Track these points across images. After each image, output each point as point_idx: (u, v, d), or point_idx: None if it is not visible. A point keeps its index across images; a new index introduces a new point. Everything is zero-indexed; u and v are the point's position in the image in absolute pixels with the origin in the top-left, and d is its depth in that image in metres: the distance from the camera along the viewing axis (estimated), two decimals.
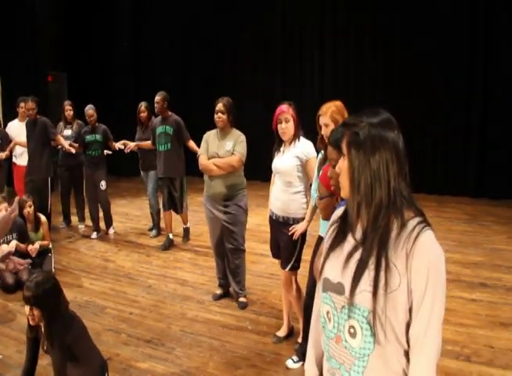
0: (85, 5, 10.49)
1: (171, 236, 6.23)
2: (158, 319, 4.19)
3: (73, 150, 6.26)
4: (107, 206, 6.67)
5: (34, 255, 5.12)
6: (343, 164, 1.32)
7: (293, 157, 3.30)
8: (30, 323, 2.58)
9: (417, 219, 1.27)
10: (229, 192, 4.13)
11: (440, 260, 1.24)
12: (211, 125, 4.23)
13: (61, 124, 6.89)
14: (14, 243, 4.91)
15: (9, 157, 6.80)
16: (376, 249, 1.24)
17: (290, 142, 3.35)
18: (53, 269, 5.27)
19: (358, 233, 1.31)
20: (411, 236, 1.23)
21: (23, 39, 8.96)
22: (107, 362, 2.97)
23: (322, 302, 1.37)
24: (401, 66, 8.30)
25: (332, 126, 2.77)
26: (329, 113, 2.78)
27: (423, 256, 1.22)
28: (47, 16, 9.73)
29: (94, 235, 6.62)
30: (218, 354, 3.60)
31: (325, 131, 2.81)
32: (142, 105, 6.37)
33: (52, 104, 9.10)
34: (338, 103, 2.84)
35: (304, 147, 3.31)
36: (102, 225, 6.80)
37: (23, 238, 5.06)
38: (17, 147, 6.77)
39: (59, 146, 6.50)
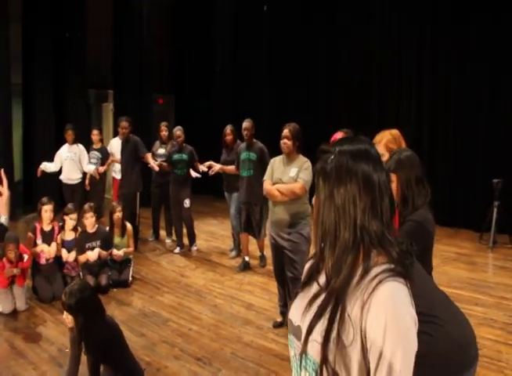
0: (192, 30, 11.20)
1: (247, 258, 6.29)
2: (214, 339, 4.23)
3: (156, 168, 6.63)
4: (190, 223, 6.93)
5: (118, 260, 5.51)
6: (314, 198, 1.21)
7: None
8: (68, 325, 2.78)
9: (384, 266, 1.10)
10: (292, 219, 4.09)
11: (401, 318, 1.04)
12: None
13: (157, 143, 7.37)
14: (97, 250, 5.30)
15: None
16: (334, 297, 1.10)
17: None
18: (130, 278, 5.59)
19: (323, 277, 1.18)
20: (369, 287, 1.07)
21: (132, 63, 9.77)
22: (144, 371, 3.06)
23: (290, 345, 1.26)
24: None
25: (386, 156, 2.64)
26: (384, 142, 2.66)
27: (380, 312, 1.04)
28: (158, 40, 10.60)
29: (177, 250, 6.91)
30: None
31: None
32: (228, 128, 6.57)
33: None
34: (394, 132, 2.71)
35: None
36: (186, 241, 7.08)
37: (107, 246, 5.45)
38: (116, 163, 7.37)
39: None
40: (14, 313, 4.69)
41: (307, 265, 1.31)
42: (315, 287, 1.20)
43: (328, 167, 1.16)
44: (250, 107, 9.49)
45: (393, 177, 2.29)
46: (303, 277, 1.30)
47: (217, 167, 6.42)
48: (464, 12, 7.56)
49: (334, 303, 1.09)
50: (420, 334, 1.85)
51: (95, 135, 7.10)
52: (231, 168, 6.29)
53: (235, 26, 10.58)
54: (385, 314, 1.04)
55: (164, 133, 7.25)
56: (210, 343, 4.15)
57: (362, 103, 8.78)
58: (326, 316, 1.10)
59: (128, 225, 5.80)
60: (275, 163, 4.25)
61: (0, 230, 2.08)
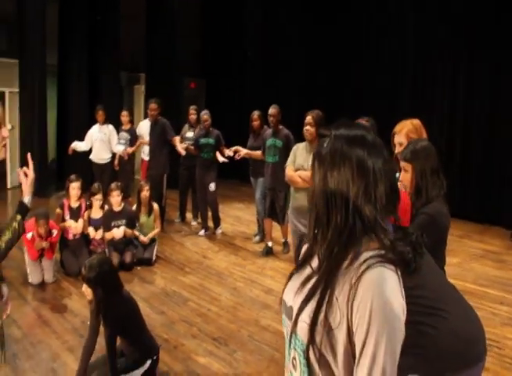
0: (222, 16, 11.19)
1: (270, 244, 6.32)
2: (231, 321, 4.29)
3: (183, 152, 6.69)
4: (215, 207, 6.99)
5: (145, 243, 5.65)
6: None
7: None
8: (87, 297, 2.88)
9: (374, 252, 1.10)
10: None
11: (387, 304, 1.04)
12: None
13: (186, 126, 7.43)
14: (122, 228, 5.43)
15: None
16: (324, 280, 1.12)
17: None
18: (154, 257, 5.71)
19: (316, 260, 1.19)
20: (358, 271, 1.07)
21: (164, 47, 9.83)
22: (159, 347, 3.14)
23: (283, 325, 1.28)
24: None
25: None
26: (405, 132, 2.62)
27: (366, 297, 1.04)
28: (191, 24, 10.63)
29: (201, 232, 7.00)
30: (276, 366, 3.57)
31: (399, 151, 2.66)
32: (255, 113, 6.55)
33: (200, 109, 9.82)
34: (416, 121, 2.66)
35: None
36: (211, 224, 7.16)
37: (132, 224, 5.57)
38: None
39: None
40: (42, 285, 4.87)
41: (304, 248, 1.33)
42: (308, 270, 1.21)
43: (323, 151, 1.17)
44: (279, 93, 9.46)
45: (408, 167, 2.26)
46: (299, 259, 1.31)
47: (243, 152, 6.42)
48: (500, 11, 7.30)
49: (323, 286, 1.11)
50: (423, 325, 1.85)
51: (124, 116, 7.22)
52: (257, 153, 6.29)
53: (265, 10, 10.49)
54: (371, 299, 1.04)
55: (193, 117, 7.30)
56: (227, 324, 4.21)
57: (391, 92, 8.63)
58: (316, 298, 1.11)
59: (155, 206, 5.90)
60: (298, 149, 4.24)
61: (23, 210, 2.15)
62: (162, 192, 6.85)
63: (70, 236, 5.26)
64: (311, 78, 9.78)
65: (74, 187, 5.22)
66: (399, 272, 1.11)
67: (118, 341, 2.95)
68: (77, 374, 2.94)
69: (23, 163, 8.85)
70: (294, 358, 1.17)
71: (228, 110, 10.68)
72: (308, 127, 4.09)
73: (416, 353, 1.80)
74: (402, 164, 2.30)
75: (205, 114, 6.77)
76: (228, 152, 6.49)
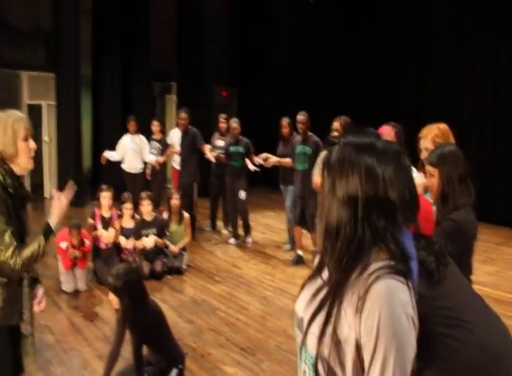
0: (253, 25, 11.27)
1: (300, 252, 6.27)
2: (259, 330, 4.28)
3: (213, 160, 6.73)
4: (245, 215, 7.00)
5: (174, 254, 5.70)
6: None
7: None
8: (113, 306, 2.92)
9: (383, 263, 1.07)
10: None
11: (396, 318, 1.01)
12: None
13: (216, 134, 7.49)
14: (153, 238, 5.50)
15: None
16: (332, 292, 1.09)
17: None
18: (184, 266, 5.75)
19: (326, 272, 1.17)
20: (366, 283, 1.04)
21: (195, 56, 9.96)
22: (185, 356, 3.15)
23: (296, 336, 1.26)
24: None
25: None
26: (431, 137, 2.56)
27: (374, 310, 1.01)
28: (222, 34, 10.75)
29: (232, 241, 7.01)
30: None
31: (425, 156, 2.59)
32: (284, 120, 6.54)
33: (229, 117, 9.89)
34: (443, 126, 2.59)
35: None
36: (242, 232, 7.16)
37: (162, 233, 5.64)
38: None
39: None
40: (75, 293, 4.99)
41: (317, 258, 1.31)
42: (319, 281, 1.19)
43: (332, 159, 1.14)
44: (309, 100, 9.42)
45: (434, 172, 2.20)
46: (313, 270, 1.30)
47: (273, 159, 6.40)
48: None
49: (332, 298, 1.09)
50: (447, 338, 1.78)
51: (155, 126, 7.33)
52: (287, 160, 6.27)
53: (294, 18, 10.51)
54: (379, 312, 1.01)
55: (223, 125, 7.35)
56: (255, 334, 4.20)
57: (418, 97, 8.49)
58: (325, 310, 1.09)
59: (186, 214, 5.96)
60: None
61: (48, 233, 2.19)
62: (193, 200, 6.91)
63: (102, 246, 5.37)
64: (340, 85, 9.74)
65: (105, 197, 5.33)
66: (410, 284, 1.08)
67: (146, 350, 2.98)
68: None
69: (60, 174, 9.15)
70: (305, 371, 1.16)
71: (260, 117, 10.71)
72: (335, 133, 4.05)
73: (442, 367, 1.74)
74: (428, 168, 2.23)
75: (234, 123, 6.81)
76: (259, 160, 6.49)
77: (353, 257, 1.09)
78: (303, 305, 1.20)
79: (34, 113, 9.60)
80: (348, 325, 1.05)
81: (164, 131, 7.76)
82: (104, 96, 9.48)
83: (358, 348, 1.04)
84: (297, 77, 10.47)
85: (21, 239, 2.18)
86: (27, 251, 2.09)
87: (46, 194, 9.62)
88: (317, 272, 1.23)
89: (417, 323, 1.06)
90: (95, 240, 5.35)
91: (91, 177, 9.93)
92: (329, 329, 1.06)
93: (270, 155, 6.45)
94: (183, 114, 6.74)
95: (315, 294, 1.16)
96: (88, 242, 5.03)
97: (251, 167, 6.74)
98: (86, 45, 9.30)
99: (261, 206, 9.34)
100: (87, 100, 9.80)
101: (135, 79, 9.78)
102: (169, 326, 3.16)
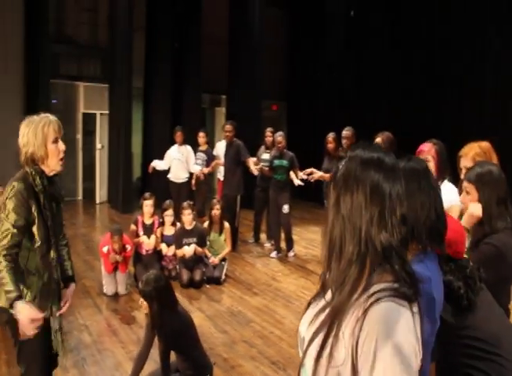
0: (305, 39, 11.30)
1: None
2: (292, 346, 4.20)
3: (255, 173, 6.75)
4: (288, 229, 6.94)
5: (213, 264, 5.73)
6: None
7: None
8: (143, 311, 2.96)
9: (385, 285, 1.01)
10: None
11: (394, 346, 0.94)
12: None
13: (262, 148, 7.52)
14: (193, 246, 5.56)
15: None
16: (332, 312, 1.04)
17: None
18: (223, 276, 5.77)
19: (329, 293, 1.12)
20: (364, 305, 0.99)
21: (245, 70, 10.08)
22: (213, 366, 3.14)
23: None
24: None
25: None
26: (472, 155, 2.45)
27: (371, 336, 0.95)
28: (272, 47, 10.86)
29: (273, 254, 6.97)
30: None
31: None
32: (330, 136, 6.50)
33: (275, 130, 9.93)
34: (484, 144, 2.48)
35: (446, 192, 2.95)
36: (285, 246, 7.11)
37: (203, 243, 5.69)
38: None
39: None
40: (115, 296, 5.10)
41: (322, 276, 1.27)
42: (323, 301, 1.15)
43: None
44: (360, 116, 9.31)
45: (470, 189, 2.10)
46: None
47: (317, 174, 6.31)
48: None
49: (331, 320, 1.04)
50: (473, 370, 1.68)
51: (201, 137, 7.46)
52: (327, 175, 6.19)
53: (347, 33, 10.46)
54: (376, 339, 0.95)
55: (269, 138, 7.38)
56: (288, 349, 4.13)
57: (475, 117, 8.19)
58: (324, 331, 1.05)
59: (226, 225, 6.00)
60: None
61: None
62: (236, 212, 6.95)
63: (144, 252, 5.48)
64: (390, 102, 9.57)
65: (147, 204, 5.45)
66: (415, 309, 1.01)
67: (175, 356, 3.01)
68: None
69: (110, 181, 9.47)
70: None
71: (309, 131, 10.69)
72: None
73: None
74: (465, 184, 2.14)
75: (279, 136, 6.81)
76: (302, 175, 6.43)
77: (355, 277, 1.04)
78: (306, 325, 1.16)
79: (89, 121, 10.04)
80: (345, 348, 1.00)
81: (209, 143, 7.87)
82: (155, 108, 9.76)
83: (355, 373, 0.99)
84: (347, 92, 10.38)
85: (46, 235, 2.26)
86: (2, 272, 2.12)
87: (98, 200, 9.96)
88: (321, 291, 1.19)
89: (420, 353, 0.99)
90: (137, 245, 5.47)
91: (140, 185, 10.21)
92: (327, 351, 1.02)
93: (315, 170, 6.36)
94: (228, 126, 6.82)
95: (317, 314, 1.12)
96: (129, 247, 5.15)
97: (296, 181, 6.68)
98: (139, 58, 9.64)
99: (306, 220, 9.26)
100: (138, 111, 10.14)
101: (185, 91, 10.01)
102: (198, 335, 3.17)
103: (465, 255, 2.14)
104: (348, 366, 0.99)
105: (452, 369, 1.76)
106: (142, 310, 4.71)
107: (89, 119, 10.02)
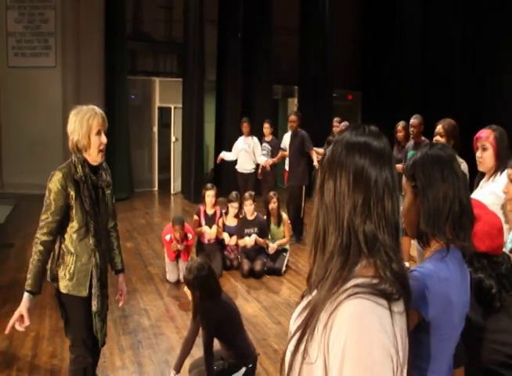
0: (378, 27, 10.88)
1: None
2: None
3: (317, 165, 6.63)
4: None
5: (271, 253, 5.74)
6: None
7: (490, 193, 2.74)
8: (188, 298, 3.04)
9: (363, 280, 0.93)
10: None
11: (364, 346, 0.87)
12: None
13: (329, 138, 7.39)
14: (254, 237, 5.61)
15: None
16: (311, 307, 0.98)
17: (490, 176, 2.81)
18: (284, 267, 5.76)
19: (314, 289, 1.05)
20: (338, 300, 0.92)
21: (317, 59, 9.94)
22: (257, 356, 3.16)
23: None
24: None
25: None
26: None
27: (340, 334, 0.89)
28: (344, 36, 10.60)
29: None
30: None
31: None
32: (400, 124, 6.24)
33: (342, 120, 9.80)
34: None
35: (502, 185, 2.71)
36: None
37: (264, 233, 5.72)
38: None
39: None
40: (177, 283, 5.27)
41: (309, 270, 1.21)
42: (309, 297, 1.08)
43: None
44: (436, 105, 8.85)
45: None
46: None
47: None
48: None
49: (310, 314, 0.98)
50: None
51: (266, 128, 7.46)
52: (398, 166, 5.95)
53: (423, 19, 9.95)
54: (345, 337, 0.88)
55: (336, 129, 7.25)
56: None
57: None
58: (302, 327, 0.99)
59: (284, 216, 5.97)
60: None
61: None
62: (300, 203, 6.89)
63: (206, 241, 5.61)
64: (468, 89, 9.00)
65: (209, 195, 5.56)
66: (396, 308, 0.92)
67: (219, 344, 3.07)
68: (173, 367, 3.13)
69: (184, 172, 9.79)
70: None
71: (384, 121, 10.34)
72: (437, 137, 3.74)
73: None
74: (509, 172, 1.96)
75: (344, 126, 6.68)
76: None
77: (337, 270, 0.97)
78: (293, 320, 1.11)
79: (164, 114, 10.45)
80: (318, 346, 0.94)
81: (274, 133, 7.87)
82: (227, 100, 9.91)
83: (327, 371, 0.93)
84: (423, 79, 9.91)
85: (84, 220, 2.40)
86: (34, 253, 2.39)
87: (173, 191, 10.35)
88: (308, 284, 1.13)
89: (396, 356, 0.90)
90: (199, 235, 5.62)
91: (213, 176, 10.46)
92: (302, 347, 0.97)
93: None
94: (293, 116, 6.76)
95: (303, 309, 1.06)
96: (190, 236, 5.30)
97: None
98: (212, 52, 9.84)
99: None
100: (211, 104, 10.37)
101: (257, 83, 10.07)
102: (243, 324, 3.19)
103: (505, 250, 1.96)
104: (320, 364, 0.94)
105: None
106: None
107: (165, 113, 10.42)
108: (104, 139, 2.46)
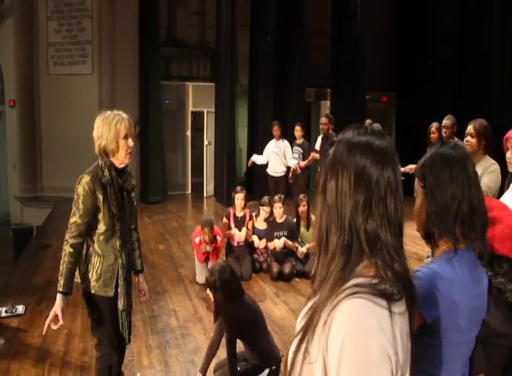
0: (412, 28, 10.69)
1: None
2: None
3: None
4: None
5: (301, 257, 5.72)
6: None
7: None
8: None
9: (363, 279, 0.93)
10: None
11: (361, 346, 0.87)
12: None
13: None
14: (283, 239, 5.60)
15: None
16: (314, 307, 0.98)
17: None
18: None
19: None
20: (335, 300, 0.92)
21: (349, 61, 9.85)
22: (281, 358, 3.15)
23: None
24: None
25: None
26: None
27: (338, 334, 0.89)
28: (376, 37, 10.47)
29: None
30: None
31: None
32: (433, 126, 6.11)
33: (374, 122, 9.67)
34: None
35: None
36: None
37: (293, 236, 5.71)
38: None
39: None
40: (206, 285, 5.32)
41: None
42: (314, 298, 1.08)
43: (327, 159, 1.04)
44: (473, 106, 8.61)
45: None
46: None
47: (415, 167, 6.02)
48: None
49: (312, 314, 0.98)
50: None
51: (297, 131, 7.45)
52: (413, 167, 5.86)
53: (458, 17, 9.72)
54: (343, 337, 0.88)
55: None
56: None
57: None
58: (304, 327, 1.00)
59: (314, 219, 5.93)
60: None
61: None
62: None
63: (235, 243, 5.65)
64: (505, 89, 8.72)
65: (238, 198, 5.59)
66: (397, 309, 0.92)
67: (243, 346, 3.09)
68: (200, 368, 3.16)
69: (216, 176, 9.89)
70: None
71: (418, 122, 10.16)
72: (468, 138, 3.64)
73: None
74: None
75: (375, 128, 6.58)
76: (404, 169, 6.18)
77: (339, 270, 0.97)
78: (299, 320, 1.11)
79: (197, 119, 10.59)
80: (317, 346, 0.94)
81: (306, 136, 7.84)
82: (259, 104, 9.95)
83: (326, 371, 0.93)
84: (460, 80, 9.67)
85: (111, 222, 2.46)
86: (64, 255, 2.47)
87: (205, 194, 10.47)
88: (312, 285, 1.12)
89: (395, 356, 0.89)
90: (229, 237, 5.66)
91: (246, 180, 10.51)
92: (303, 346, 0.97)
93: (413, 166, 6.11)
94: (323, 119, 6.74)
95: (309, 310, 1.05)
96: (219, 238, 5.34)
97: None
98: (244, 56, 9.92)
99: (407, 215, 8.79)
100: (244, 108, 10.44)
101: (289, 86, 10.08)
102: (266, 326, 3.19)
103: None
104: (320, 364, 0.94)
105: None
106: None
107: (198, 117, 10.57)
108: (131, 142, 2.52)
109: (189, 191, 10.89)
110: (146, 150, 9.65)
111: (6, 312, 4.37)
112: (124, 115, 2.54)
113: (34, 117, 9.56)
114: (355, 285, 0.92)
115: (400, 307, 0.93)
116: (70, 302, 2.77)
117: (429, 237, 1.36)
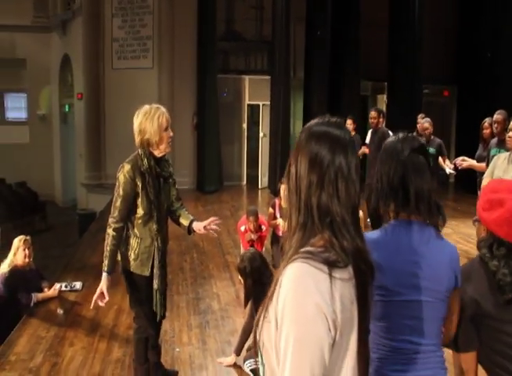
0: (474, 20, 10.23)
1: None
2: None
3: None
4: None
5: None
6: None
7: None
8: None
9: (310, 248, 1.03)
10: None
11: (297, 304, 0.98)
12: None
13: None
14: None
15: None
16: (276, 275, 1.09)
17: None
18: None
19: None
20: (284, 265, 1.05)
21: (407, 55, 9.62)
22: None
23: None
24: None
25: None
26: None
27: (282, 294, 1.01)
28: (435, 30, 10.13)
29: None
30: None
31: None
32: (486, 121, 5.90)
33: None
34: None
35: None
36: None
37: None
38: None
39: None
40: None
41: None
42: None
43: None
44: None
45: None
46: None
47: (466, 163, 5.82)
48: None
49: (275, 281, 1.09)
50: (502, 370, 1.51)
51: (348, 124, 7.38)
52: (480, 165, 5.60)
53: None
54: (284, 296, 1.00)
55: (420, 125, 7.05)
56: None
57: None
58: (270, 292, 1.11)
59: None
60: (499, 160, 3.73)
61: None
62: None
63: (280, 233, 5.77)
64: None
65: (284, 189, 5.71)
66: (339, 275, 1.02)
67: None
68: (234, 349, 3.33)
69: (271, 169, 10.03)
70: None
71: (481, 117, 9.77)
72: (510, 133, 3.56)
73: None
74: None
75: (426, 122, 6.48)
76: (449, 165, 6.06)
77: (297, 245, 1.08)
78: None
79: (254, 111, 10.77)
80: (273, 306, 1.06)
81: (362, 130, 7.79)
82: (314, 97, 9.96)
83: (276, 330, 1.04)
84: None
85: (148, 207, 2.66)
86: (107, 237, 2.68)
87: (260, 185, 10.65)
88: None
89: (332, 315, 1.00)
90: (274, 227, 5.79)
91: None
92: (264, 307, 1.08)
93: (466, 158, 5.90)
94: (373, 113, 6.68)
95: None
96: (264, 227, 5.49)
97: (447, 169, 6.27)
98: (300, 49, 9.96)
99: (465, 213, 8.52)
100: (299, 101, 10.49)
101: (344, 79, 10.02)
102: None
103: None
104: (273, 322, 1.05)
105: (488, 364, 1.62)
106: None
107: (254, 110, 10.75)
108: (171, 133, 2.72)
109: (245, 182, 11.11)
110: (203, 141, 9.96)
111: (66, 287, 4.79)
112: (163, 109, 2.73)
113: (99, 109, 10.16)
114: (302, 252, 1.04)
115: (343, 274, 1.04)
116: (121, 281, 2.99)
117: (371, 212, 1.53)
